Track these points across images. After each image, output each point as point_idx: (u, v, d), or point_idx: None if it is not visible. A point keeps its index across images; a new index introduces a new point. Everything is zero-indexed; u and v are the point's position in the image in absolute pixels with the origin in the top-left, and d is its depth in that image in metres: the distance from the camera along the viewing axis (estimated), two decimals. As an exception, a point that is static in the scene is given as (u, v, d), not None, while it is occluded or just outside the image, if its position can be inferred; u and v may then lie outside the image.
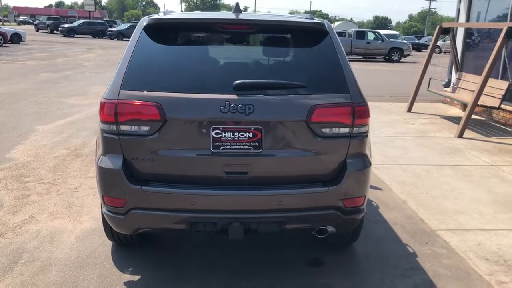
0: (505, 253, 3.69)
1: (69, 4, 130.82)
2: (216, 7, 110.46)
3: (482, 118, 9.27)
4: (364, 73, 17.10)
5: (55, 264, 3.34)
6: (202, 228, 2.89)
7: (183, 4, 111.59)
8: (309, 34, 3.16)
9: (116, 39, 40.03)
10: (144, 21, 3.12)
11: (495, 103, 7.89)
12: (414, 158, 6.29)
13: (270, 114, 2.81)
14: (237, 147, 2.80)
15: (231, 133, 2.78)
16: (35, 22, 58.48)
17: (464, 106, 9.27)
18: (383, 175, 5.49)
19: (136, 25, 3.21)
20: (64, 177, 5.15)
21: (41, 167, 5.46)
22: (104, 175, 2.90)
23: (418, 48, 41.68)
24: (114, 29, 43.24)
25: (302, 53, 3.23)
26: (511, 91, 8.22)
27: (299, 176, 2.93)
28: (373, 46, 27.01)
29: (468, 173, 5.70)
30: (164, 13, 3.43)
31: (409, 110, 9.79)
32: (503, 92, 7.76)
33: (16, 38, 27.93)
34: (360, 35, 27.25)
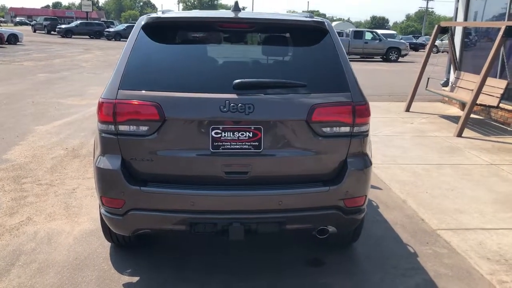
0: (506, 252, 3.67)
1: (66, 4, 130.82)
2: (214, 7, 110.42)
3: (481, 117, 9.26)
4: (362, 73, 17.07)
5: (53, 266, 3.30)
6: (202, 229, 2.87)
7: (181, 4, 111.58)
8: (309, 32, 3.14)
9: (113, 39, 39.96)
10: (142, 20, 3.09)
11: (493, 102, 7.88)
12: (413, 158, 6.28)
13: (270, 114, 2.78)
14: (237, 147, 2.78)
15: (231, 133, 2.76)
16: (32, 23, 58.33)
17: (462, 105, 9.26)
18: (382, 175, 5.47)
19: (134, 25, 3.18)
20: (62, 178, 5.12)
21: (39, 168, 5.42)
22: (103, 176, 2.87)
23: (416, 47, 41.73)
24: (111, 29, 43.14)
25: (302, 52, 3.20)
26: (510, 90, 8.22)
27: (300, 176, 2.90)
28: (371, 46, 27.03)
29: (468, 172, 5.68)
30: (163, 12, 3.40)
31: (407, 110, 9.78)
32: (501, 91, 7.75)
33: (13, 39, 27.82)
34: (358, 35, 27.27)
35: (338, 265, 3.44)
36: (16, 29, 35.00)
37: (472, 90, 7.93)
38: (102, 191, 2.90)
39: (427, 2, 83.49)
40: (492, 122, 8.85)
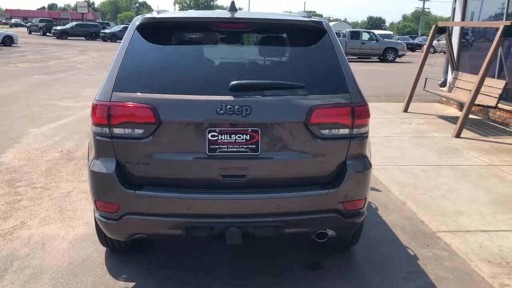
0: (507, 255, 3.62)
1: (62, 6, 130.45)
2: (210, 8, 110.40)
3: (479, 118, 9.24)
4: (359, 73, 16.98)
5: (47, 272, 3.24)
6: (198, 233, 2.81)
7: (177, 5, 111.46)
8: (307, 32, 3.08)
9: (109, 41, 39.85)
10: (137, 20, 3.03)
11: (492, 102, 7.86)
12: (412, 159, 6.24)
13: (267, 116, 2.73)
14: (234, 149, 2.72)
15: (228, 136, 2.70)
16: (27, 25, 58.09)
17: (460, 105, 9.23)
18: (381, 176, 5.42)
19: None
20: (56, 181, 5.05)
21: (33, 171, 5.35)
22: (97, 179, 2.81)
23: (413, 48, 41.79)
24: (107, 31, 43.07)
25: (300, 52, 3.15)
26: (508, 90, 8.20)
27: (298, 179, 2.85)
28: (368, 46, 27.02)
29: (467, 173, 5.64)
30: (158, 13, 3.34)
31: (405, 110, 9.75)
32: (500, 91, 7.73)
33: (8, 41, 27.67)
34: (355, 35, 27.25)
35: (337, 269, 3.39)
36: (12, 31, 34.83)
37: (470, 90, 7.90)
38: (96, 195, 2.84)
39: (424, 3, 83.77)
40: (490, 123, 8.82)
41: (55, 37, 41.48)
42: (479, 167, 5.93)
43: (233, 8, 3.30)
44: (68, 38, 41.29)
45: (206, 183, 2.78)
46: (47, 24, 48.14)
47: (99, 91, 2.79)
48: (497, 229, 4.09)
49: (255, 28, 3.13)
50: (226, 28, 3.11)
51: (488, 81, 7.88)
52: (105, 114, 2.69)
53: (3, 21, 73.03)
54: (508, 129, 8.22)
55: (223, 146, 2.71)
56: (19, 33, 33.34)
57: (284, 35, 3.29)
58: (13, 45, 27.80)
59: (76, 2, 59.08)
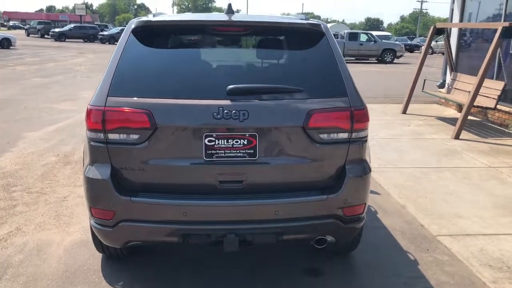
0: (508, 259, 3.58)
1: (60, 8, 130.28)
2: (208, 10, 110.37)
3: (478, 119, 9.20)
4: (357, 75, 16.98)
5: (42, 279, 3.18)
6: (195, 241, 2.77)
7: (175, 7, 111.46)
8: (305, 35, 3.04)
9: (107, 43, 39.82)
10: (132, 23, 2.98)
11: (491, 103, 7.83)
12: (411, 161, 6.20)
13: (265, 120, 2.68)
14: (232, 155, 2.67)
15: (225, 141, 2.66)
16: (25, 27, 58.01)
17: (459, 107, 9.20)
18: (380, 179, 5.37)
19: None
20: (52, 185, 4.99)
21: (29, 175, 5.30)
22: (92, 186, 2.76)
23: (411, 49, 41.76)
24: (105, 33, 43.02)
25: (298, 55, 3.10)
26: (507, 92, 8.17)
27: (297, 184, 2.80)
28: (366, 47, 27.00)
29: (467, 176, 5.60)
30: (154, 15, 3.29)
31: (404, 112, 9.71)
32: (498, 93, 7.70)
33: (6, 43, 27.60)
34: (353, 36, 27.24)
35: (337, 274, 3.34)
36: (10, 33, 34.76)
37: (469, 91, 7.87)
38: (92, 201, 2.79)
39: (421, 4, 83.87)
40: (489, 124, 8.79)
41: (53, 40, 41.43)
42: (479, 169, 5.90)
43: (230, 10, 3.25)
44: (66, 40, 41.26)
45: (203, 189, 2.73)
46: (45, 26, 48.14)
47: (93, 96, 2.74)
48: (498, 233, 4.05)
49: (252, 31, 3.09)
50: (223, 31, 3.07)
51: (487, 82, 7.85)
52: (99, 119, 2.65)
53: (1, 23, 73.01)
54: (507, 130, 8.19)
55: (220, 152, 2.66)
56: (17, 35, 33.28)
57: (282, 38, 3.25)
58: (11, 47, 27.73)
59: (74, 4, 59.10)
